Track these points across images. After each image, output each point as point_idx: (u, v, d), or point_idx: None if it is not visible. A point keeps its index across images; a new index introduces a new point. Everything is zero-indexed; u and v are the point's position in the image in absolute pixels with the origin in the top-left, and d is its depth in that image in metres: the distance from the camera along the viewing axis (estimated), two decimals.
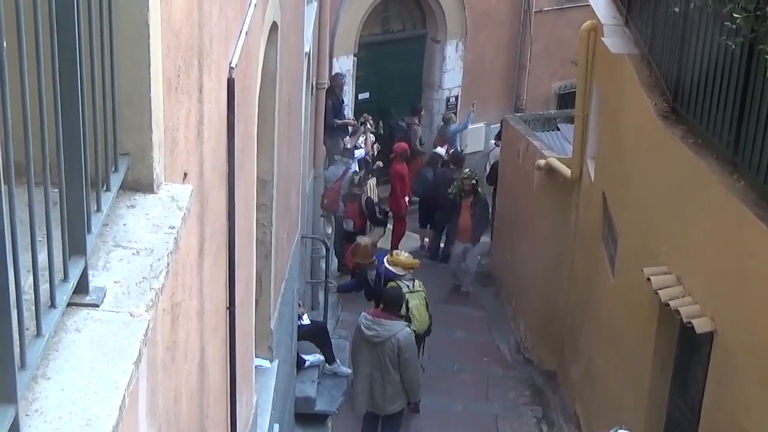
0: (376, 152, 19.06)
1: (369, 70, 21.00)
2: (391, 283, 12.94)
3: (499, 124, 20.37)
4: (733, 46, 7.88)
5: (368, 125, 18.98)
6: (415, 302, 13.00)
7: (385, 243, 17.76)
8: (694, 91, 9.05)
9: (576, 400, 13.28)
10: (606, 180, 12.19)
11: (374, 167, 18.79)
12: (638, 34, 11.22)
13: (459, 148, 20.52)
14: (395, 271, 13.27)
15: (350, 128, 18.78)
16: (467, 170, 17.37)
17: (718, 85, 8.44)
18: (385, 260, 13.57)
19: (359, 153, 18.05)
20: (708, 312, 8.32)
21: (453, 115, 21.53)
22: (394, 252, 14.01)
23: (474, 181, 17.05)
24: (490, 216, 18.30)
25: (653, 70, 10.46)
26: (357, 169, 17.48)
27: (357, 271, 15.16)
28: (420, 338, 13.09)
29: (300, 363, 13.08)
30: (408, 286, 13.03)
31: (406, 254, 13.79)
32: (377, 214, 17.13)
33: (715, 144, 8.53)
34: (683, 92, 9.35)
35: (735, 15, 7.69)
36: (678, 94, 9.47)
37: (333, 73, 19.11)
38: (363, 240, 15.29)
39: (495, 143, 20.37)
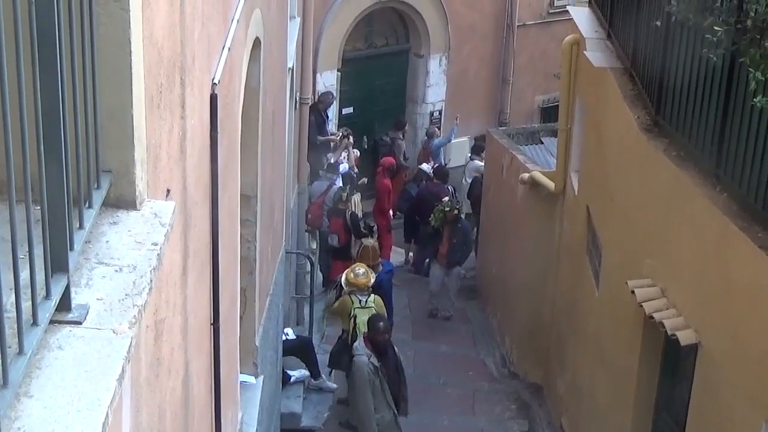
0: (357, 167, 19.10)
1: (353, 85, 21.04)
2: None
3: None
4: (715, 59, 7.91)
5: (350, 139, 18.99)
6: (363, 318, 12.83)
7: None
8: (677, 103, 9.08)
9: (562, 414, 13.28)
10: (589, 193, 12.22)
11: (359, 183, 18.82)
12: (620, 47, 11.27)
13: (443, 162, 20.56)
14: (347, 288, 13.11)
15: (332, 144, 18.78)
16: (446, 199, 17.17)
17: (700, 98, 8.48)
18: (343, 276, 13.42)
19: (343, 167, 18.06)
20: (692, 324, 8.34)
21: (437, 129, 21.59)
22: (349, 270, 13.57)
23: (456, 210, 16.96)
24: (473, 238, 18.24)
25: (635, 83, 10.50)
26: (341, 184, 17.48)
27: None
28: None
29: (285, 378, 13.07)
30: (360, 301, 12.93)
31: (363, 271, 13.34)
32: (362, 229, 17.09)
33: (697, 156, 8.56)
34: (665, 105, 9.38)
35: (716, 28, 7.74)
36: (660, 107, 9.50)
37: (323, 91, 19.18)
38: (368, 242, 15.23)
39: (470, 157, 20.37)
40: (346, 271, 13.43)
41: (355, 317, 12.91)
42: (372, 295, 13.14)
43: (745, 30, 7.45)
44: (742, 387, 7.61)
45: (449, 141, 21.31)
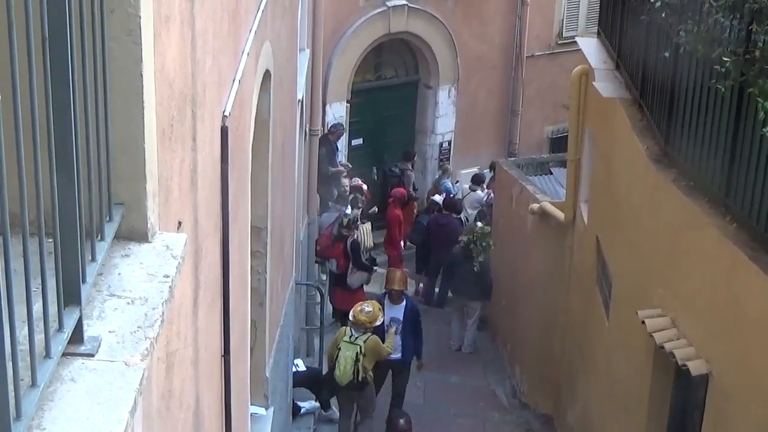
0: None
1: (362, 116, 21.08)
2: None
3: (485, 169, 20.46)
4: (723, 90, 7.93)
5: (364, 188, 18.99)
6: (347, 353, 12.53)
7: (373, 287, 17.57)
8: (686, 134, 9.09)
9: None
10: (599, 223, 12.22)
11: (370, 212, 18.83)
12: (629, 78, 11.29)
13: (453, 194, 20.54)
14: (352, 320, 12.68)
15: (343, 175, 18.73)
16: (481, 225, 17.17)
17: (709, 128, 8.49)
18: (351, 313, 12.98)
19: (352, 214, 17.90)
20: (703, 354, 8.31)
21: (449, 167, 21.57)
22: (358, 305, 13.05)
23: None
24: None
25: (644, 113, 10.52)
26: (348, 211, 17.45)
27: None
28: (349, 393, 12.86)
29: (296, 410, 13.04)
30: (351, 336, 12.58)
31: (369, 309, 12.76)
32: (364, 259, 16.78)
33: (707, 186, 8.56)
34: (675, 135, 9.39)
35: (724, 59, 7.75)
36: (669, 138, 9.51)
37: (333, 123, 19.22)
38: (395, 270, 14.70)
39: (471, 187, 20.31)
40: (356, 305, 13.13)
41: (339, 349, 12.64)
42: (368, 334, 12.62)
43: (754, 61, 7.46)
44: (754, 417, 7.57)
45: (450, 192, 20.99)
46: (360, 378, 12.61)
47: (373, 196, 19.78)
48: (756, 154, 7.56)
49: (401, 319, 13.46)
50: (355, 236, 16.63)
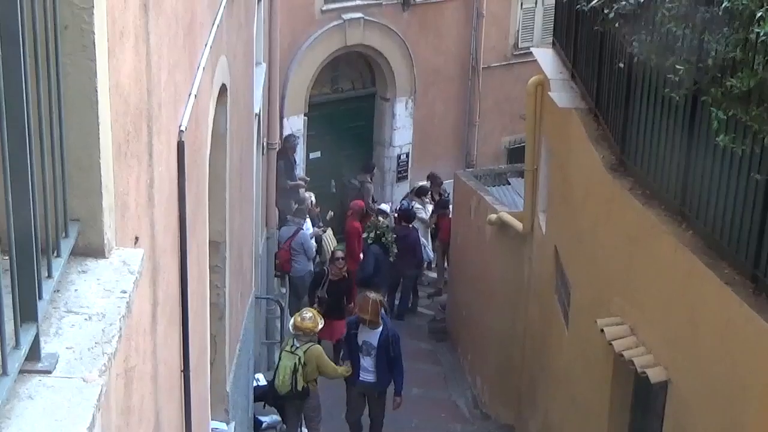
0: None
1: (320, 129, 21.08)
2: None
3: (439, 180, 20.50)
4: (677, 98, 8.00)
5: (313, 199, 18.94)
6: (286, 363, 12.41)
7: None
8: (641, 143, 9.16)
9: None
10: (557, 233, 12.28)
11: (328, 218, 18.82)
12: (584, 88, 11.36)
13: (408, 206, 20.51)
14: (293, 331, 12.57)
15: (301, 190, 18.65)
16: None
17: (664, 137, 8.56)
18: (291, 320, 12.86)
19: (307, 227, 17.81)
20: (662, 361, 8.37)
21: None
22: (297, 314, 12.98)
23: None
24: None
25: (600, 123, 10.59)
26: (308, 226, 17.42)
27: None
28: (297, 401, 12.79)
29: (257, 424, 13.00)
30: (291, 345, 12.49)
31: (309, 315, 12.68)
32: (318, 295, 15.91)
33: (663, 194, 8.63)
34: (630, 144, 9.46)
35: (678, 67, 7.83)
36: (625, 147, 9.58)
37: (286, 134, 19.16)
38: (371, 294, 14.48)
39: (409, 198, 20.20)
40: (295, 315, 12.99)
41: (280, 359, 12.56)
42: (310, 344, 12.49)
43: (707, 69, 7.54)
44: (713, 424, 7.63)
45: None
46: (299, 387, 12.46)
47: (332, 208, 19.76)
48: (710, 162, 7.64)
49: (375, 344, 13.03)
50: (331, 273, 16.24)
